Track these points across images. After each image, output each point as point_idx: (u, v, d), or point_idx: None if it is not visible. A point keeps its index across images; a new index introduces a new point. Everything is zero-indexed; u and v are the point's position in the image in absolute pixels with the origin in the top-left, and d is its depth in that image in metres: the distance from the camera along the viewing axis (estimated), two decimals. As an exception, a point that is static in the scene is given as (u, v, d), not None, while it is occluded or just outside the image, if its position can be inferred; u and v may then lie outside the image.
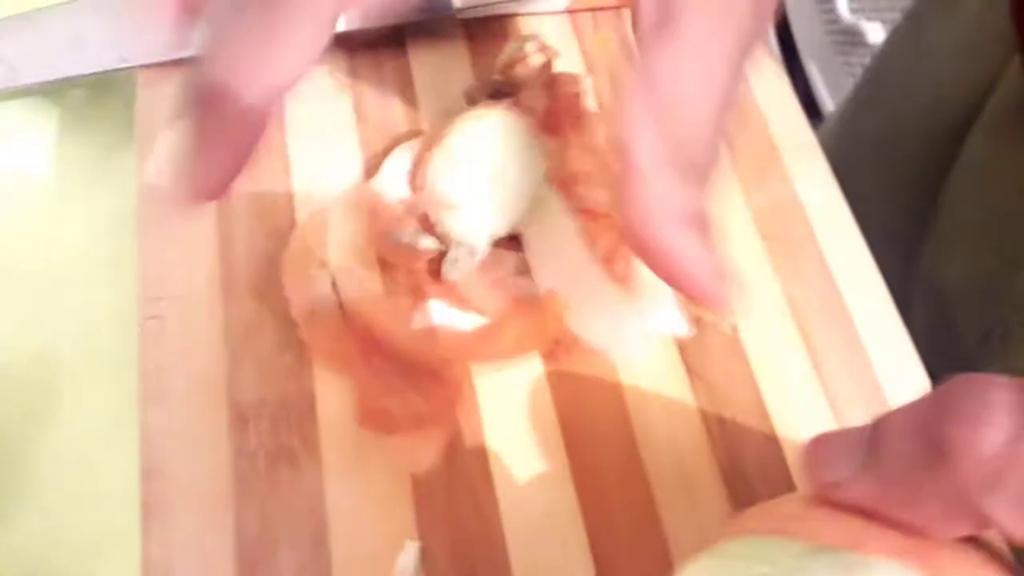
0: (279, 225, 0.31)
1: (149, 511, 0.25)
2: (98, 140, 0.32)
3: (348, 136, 0.33)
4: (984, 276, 0.42)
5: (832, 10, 0.96)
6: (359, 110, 0.34)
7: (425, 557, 0.26)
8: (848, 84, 0.96)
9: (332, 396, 0.28)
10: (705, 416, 0.30)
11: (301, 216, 0.31)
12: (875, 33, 0.92)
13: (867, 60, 0.93)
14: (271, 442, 0.27)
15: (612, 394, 0.30)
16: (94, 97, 0.32)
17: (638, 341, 0.30)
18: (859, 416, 0.31)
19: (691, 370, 0.31)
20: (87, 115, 0.32)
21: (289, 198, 0.31)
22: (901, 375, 0.32)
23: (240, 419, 0.27)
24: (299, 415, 0.28)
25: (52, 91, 0.32)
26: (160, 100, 0.32)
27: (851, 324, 0.33)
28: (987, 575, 0.18)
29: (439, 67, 0.36)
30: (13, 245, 0.30)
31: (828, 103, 0.99)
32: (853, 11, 0.94)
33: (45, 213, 0.31)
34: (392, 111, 0.34)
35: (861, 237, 0.36)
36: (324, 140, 0.33)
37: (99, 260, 0.30)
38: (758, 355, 0.32)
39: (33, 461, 0.27)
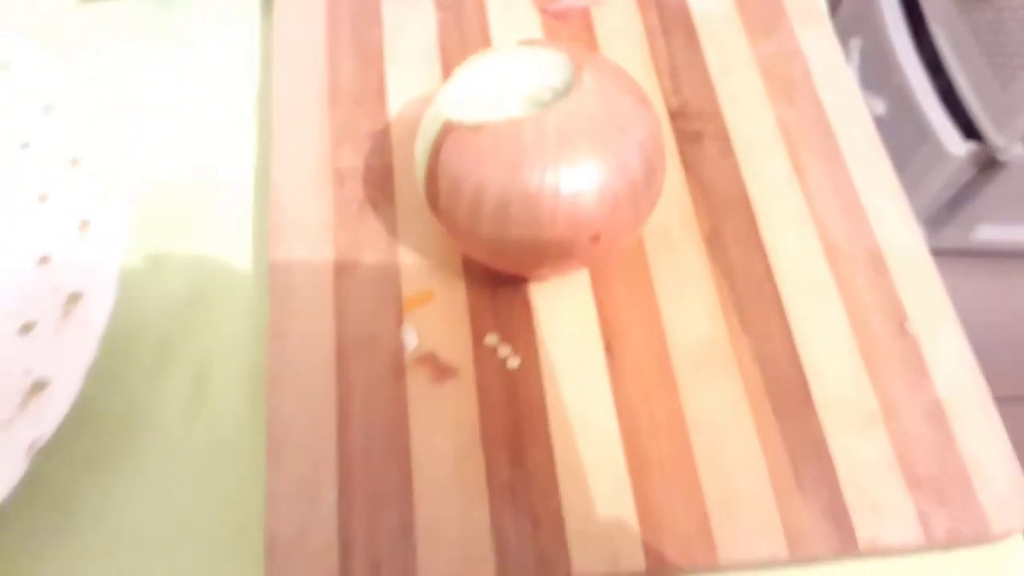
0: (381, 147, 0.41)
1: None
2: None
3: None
4: None
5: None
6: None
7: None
8: (970, 38, 0.97)
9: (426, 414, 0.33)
10: (696, 205, 0.38)
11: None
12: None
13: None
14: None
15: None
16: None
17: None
18: (834, 214, 0.38)
19: (687, 167, 0.39)
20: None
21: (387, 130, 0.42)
22: (876, 185, 0.39)
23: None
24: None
25: None
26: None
27: (836, 144, 0.40)
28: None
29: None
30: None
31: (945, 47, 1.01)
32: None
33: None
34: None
35: (856, 84, 0.42)
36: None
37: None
38: (745, 156, 0.39)
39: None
